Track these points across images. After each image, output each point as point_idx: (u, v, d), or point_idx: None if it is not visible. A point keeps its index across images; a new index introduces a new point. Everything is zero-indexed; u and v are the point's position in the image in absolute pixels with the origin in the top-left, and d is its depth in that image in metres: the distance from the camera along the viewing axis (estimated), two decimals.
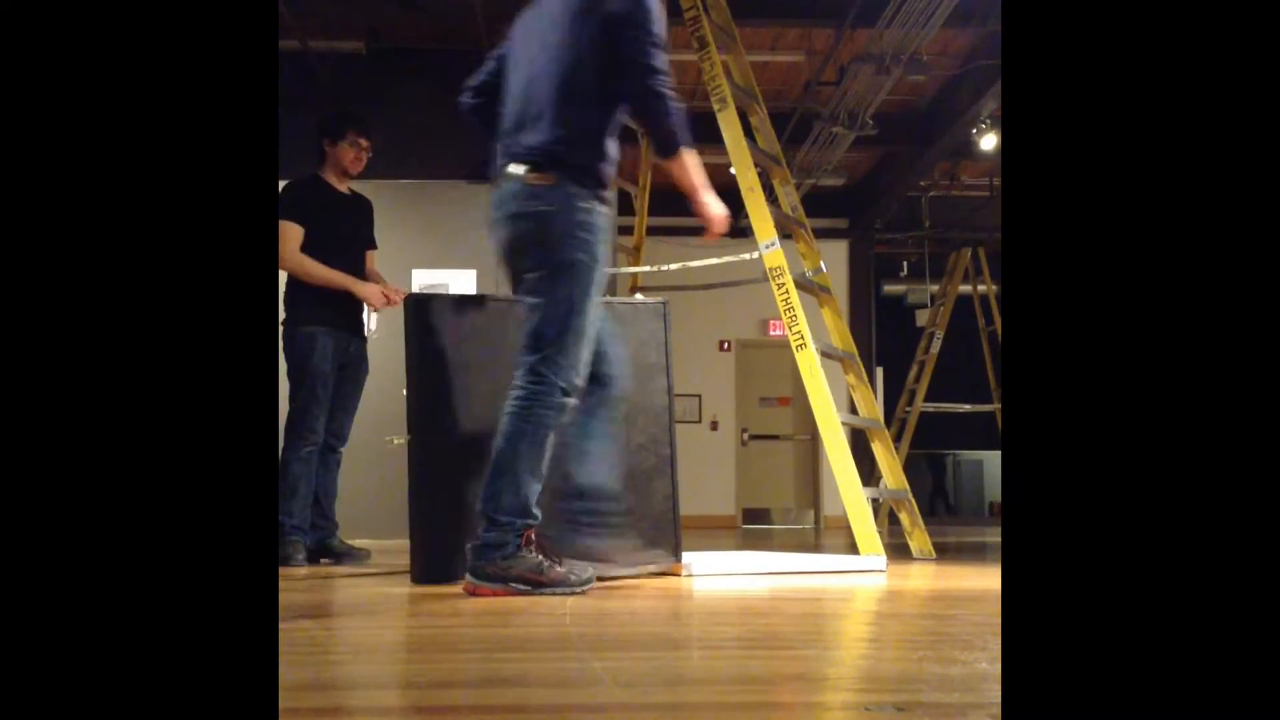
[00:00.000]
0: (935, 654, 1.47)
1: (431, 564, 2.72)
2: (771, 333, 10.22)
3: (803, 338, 3.85)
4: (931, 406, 9.20)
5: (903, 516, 4.32)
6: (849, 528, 3.66)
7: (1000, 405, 8.92)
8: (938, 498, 15.20)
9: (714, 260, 4.59)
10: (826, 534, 7.67)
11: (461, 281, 6.09)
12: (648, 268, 4.93)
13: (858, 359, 4.36)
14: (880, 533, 3.48)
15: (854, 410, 4.60)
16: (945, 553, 4.55)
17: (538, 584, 2.35)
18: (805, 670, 1.34)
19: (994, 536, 6.83)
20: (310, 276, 3.73)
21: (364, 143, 3.90)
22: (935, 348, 9.30)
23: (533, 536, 2.37)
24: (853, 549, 3.65)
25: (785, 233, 4.37)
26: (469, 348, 2.85)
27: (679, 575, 3.01)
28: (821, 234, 7.76)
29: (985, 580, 2.96)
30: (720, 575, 3.03)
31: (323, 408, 3.75)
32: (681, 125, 2.49)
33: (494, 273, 6.07)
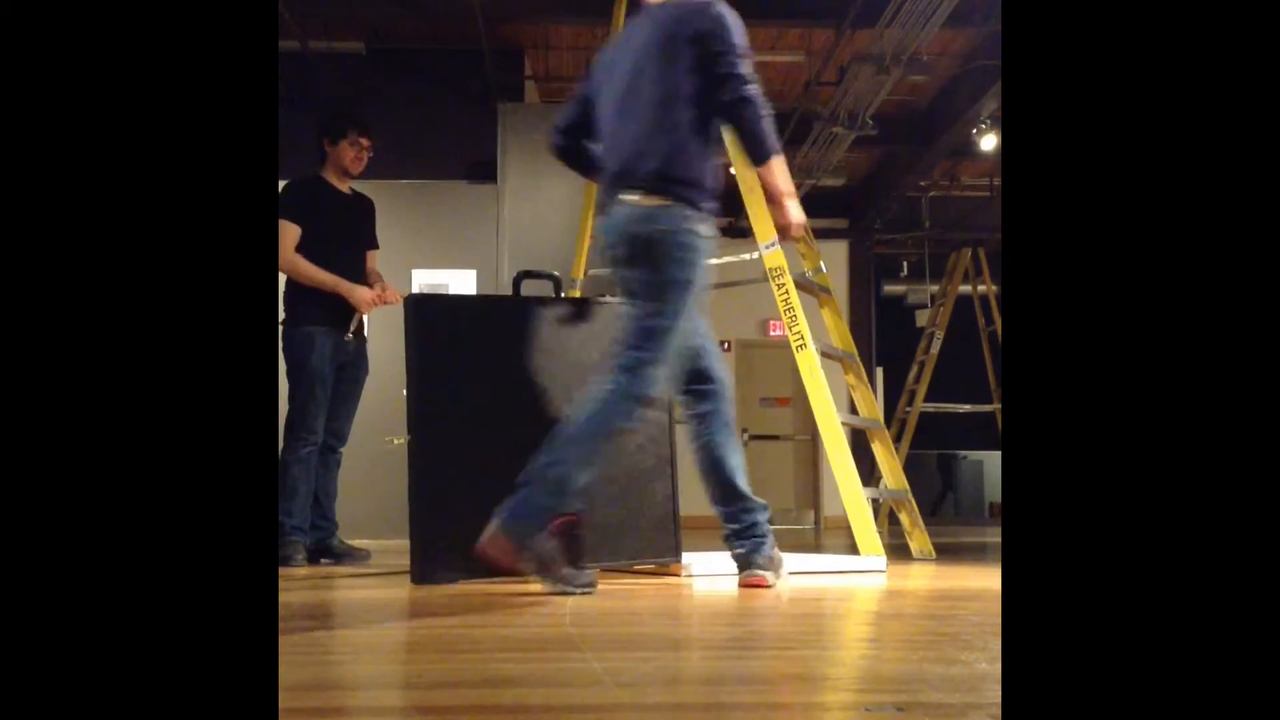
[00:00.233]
0: (935, 654, 1.47)
1: (431, 564, 2.72)
2: (771, 333, 10.22)
3: (803, 338, 3.85)
4: (931, 407, 9.19)
5: (903, 517, 4.32)
6: (849, 528, 3.66)
7: (1000, 405, 8.92)
8: (946, 499, 15.08)
9: (714, 260, 4.58)
10: (826, 534, 7.67)
11: (461, 281, 6.09)
12: None
13: (858, 359, 4.36)
14: (880, 533, 3.48)
15: (854, 410, 4.60)
16: (945, 553, 4.55)
17: (542, 572, 2.36)
18: (805, 670, 1.34)
19: (994, 536, 6.83)
20: (302, 277, 3.72)
21: (364, 142, 3.90)
22: (935, 348, 9.30)
23: (563, 527, 2.39)
24: (853, 549, 3.65)
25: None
26: (469, 348, 2.85)
27: (679, 575, 3.01)
28: (821, 234, 7.76)
29: (985, 580, 2.96)
30: (720, 575, 3.03)
31: (322, 408, 3.75)
32: (772, 131, 2.61)
33: (494, 273, 6.07)
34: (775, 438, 10.30)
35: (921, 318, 10.28)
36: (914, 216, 10.02)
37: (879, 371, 9.95)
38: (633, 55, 2.62)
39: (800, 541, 6.21)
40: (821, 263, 4.46)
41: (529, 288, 3.09)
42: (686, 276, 2.52)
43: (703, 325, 2.74)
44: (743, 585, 2.65)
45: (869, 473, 7.16)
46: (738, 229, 9.93)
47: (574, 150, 2.85)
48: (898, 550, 4.52)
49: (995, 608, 2.12)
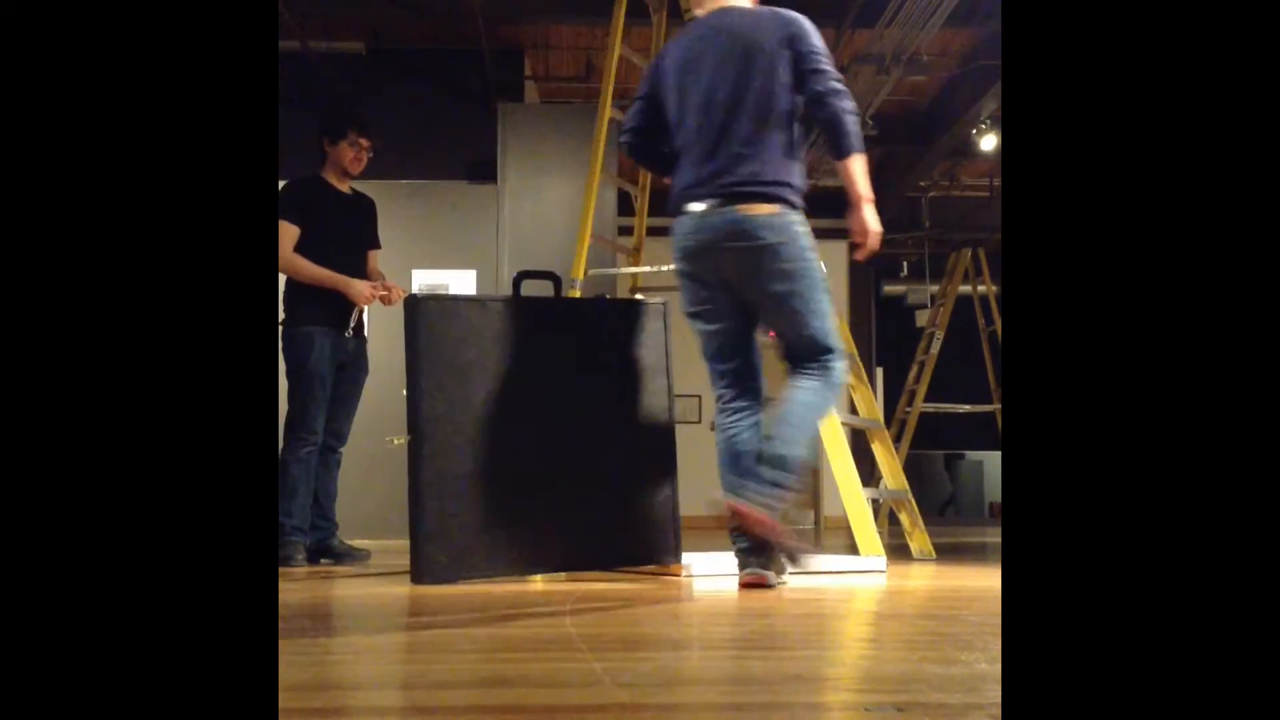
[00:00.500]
0: (935, 654, 1.47)
1: (431, 564, 2.72)
2: (771, 333, 10.21)
3: None
4: (931, 407, 9.19)
5: (903, 517, 4.32)
6: (849, 528, 3.66)
7: (1000, 405, 8.92)
8: (955, 500, 14.99)
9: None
10: (826, 534, 7.67)
11: (461, 282, 6.09)
12: (648, 268, 4.93)
13: (858, 359, 4.35)
14: (880, 533, 3.48)
15: (854, 410, 4.60)
16: (945, 553, 4.55)
17: (793, 544, 2.65)
18: (805, 671, 1.34)
19: (994, 537, 6.83)
20: (301, 275, 3.72)
21: (364, 142, 3.90)
22: (935, 348, 9.30)
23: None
24: (853, 549, 3.65)
25: None
26: (469, 348, 2.85)
27: (679, 575, 3.01)
28: (821, 234, 7.77)
29: (985, 580, 2.96)
30: (720, 575, 3.03)
31: (322, 408, 3.75)
32: (856, 129, 2.70)
33: (494, 273, 6.07)
34: None
35: (921, 318, 10.27)
36: (914, 217, 10.02)
37: (879, 371, 9.94)
38: (714, 60, 2.71)
39: (800, 541, 6.20)
40: (821, 263, 4.45)
41: (529, 288, 3.09)
42: (816, 270, 2.70)
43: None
44: (743, 585, 2.65)
45: (869, 473, 7.16)
46: None
47: (647, 150, 2.90)
48: (898, 550, 4.52)
49: (995, 608, 2.12)
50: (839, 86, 2.66)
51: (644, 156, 2.93)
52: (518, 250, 5.94)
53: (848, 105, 2.66)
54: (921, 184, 9.44)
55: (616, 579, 2.93)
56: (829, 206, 10.18)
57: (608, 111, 4.81)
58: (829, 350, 2.71)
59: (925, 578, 3.09)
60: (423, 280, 6.01)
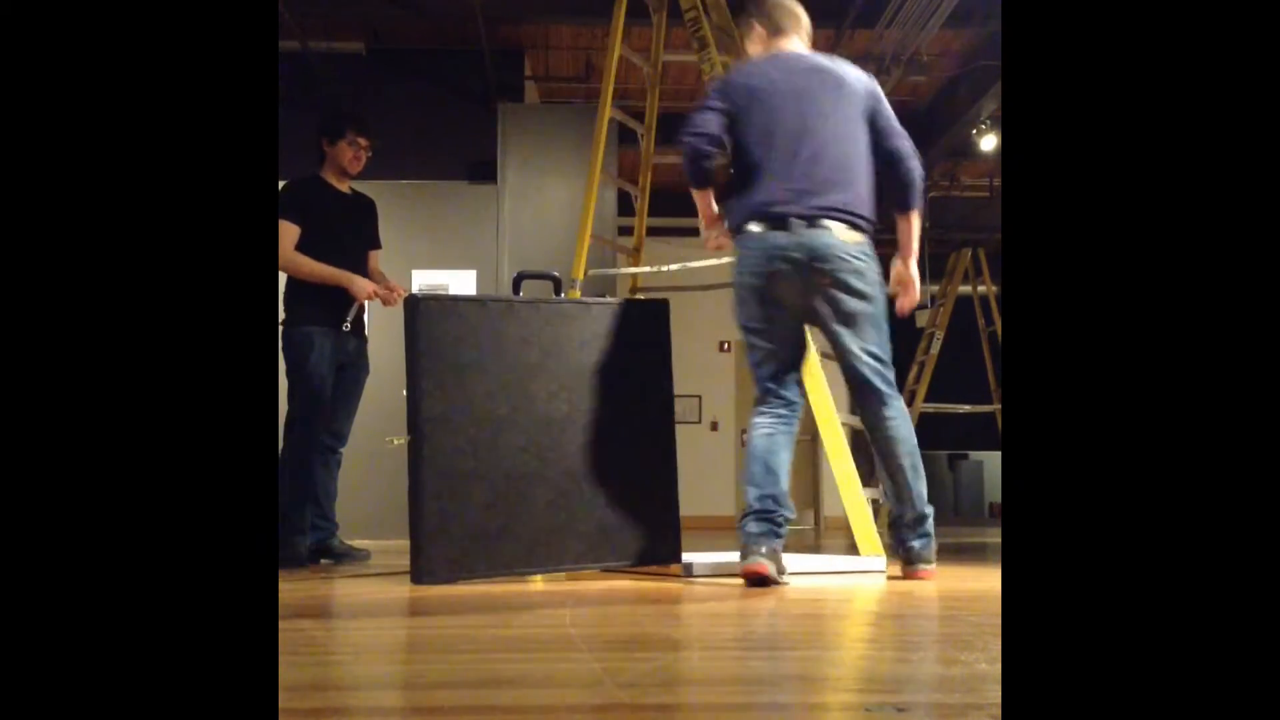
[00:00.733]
0: (935, 654, 1.47)
1: (431, 564, 2.72)
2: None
3: None
4: (931, 407, 9.19)
5: None
6: (849, 528, 3.66)
7: (1000, 405, 8.92)
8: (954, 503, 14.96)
9: (714, 261, 4.59)
10: (826, 534, 7.67)
11: (461, 282, 6.09)
12: (648, 268, 4.93)
13: None
14: (880, 533, 3.48)
15: (854, 411, 4.60)
16: (945, 553, 4.54)
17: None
18: (805, 671, 1.34)
19: (994, 537, 6.83)
20: (302, 273, 3.72)
21: (363, 142, 3.90)
22: (935, 348, 9.30)
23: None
24: (853, 549, 3.65)
25: None
26: (469, 348, 2.85)
27: (679, 575, 3.01)
28: None
29: (985, 580, 2.96)
30: (720, 575, 3.03)
31: (322, 408, 3.75)
32: (920, 185, 2.96)
33: (494, 273, 6.06)
34: None
35: (921, 318, 10.27)
36: None
37: None
38: (805, 89, 2.88)
39: (800, 542, 6.21)
40: None
41: (529, 288, 3.09)
42: (884, 299, 2.93)
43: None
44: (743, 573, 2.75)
45: (869, 473, 7.15)
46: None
47: (712, 159, 2.96)
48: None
49: (995, 608, 2.12)
50: (910, 145, 2.94)
51: (709, 161, 2.94)
52: (518, 250, 5.94)
53: (918, 165, 2.93)
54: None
55: (616, 579, 2.93)
56: None
57: (608, 111, 4.81)
58: (888, 372, 2.91)
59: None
60: (423, 280, 6.01)
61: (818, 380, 3.74)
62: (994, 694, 1.15)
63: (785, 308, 2.86)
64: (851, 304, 2.82)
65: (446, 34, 6.56)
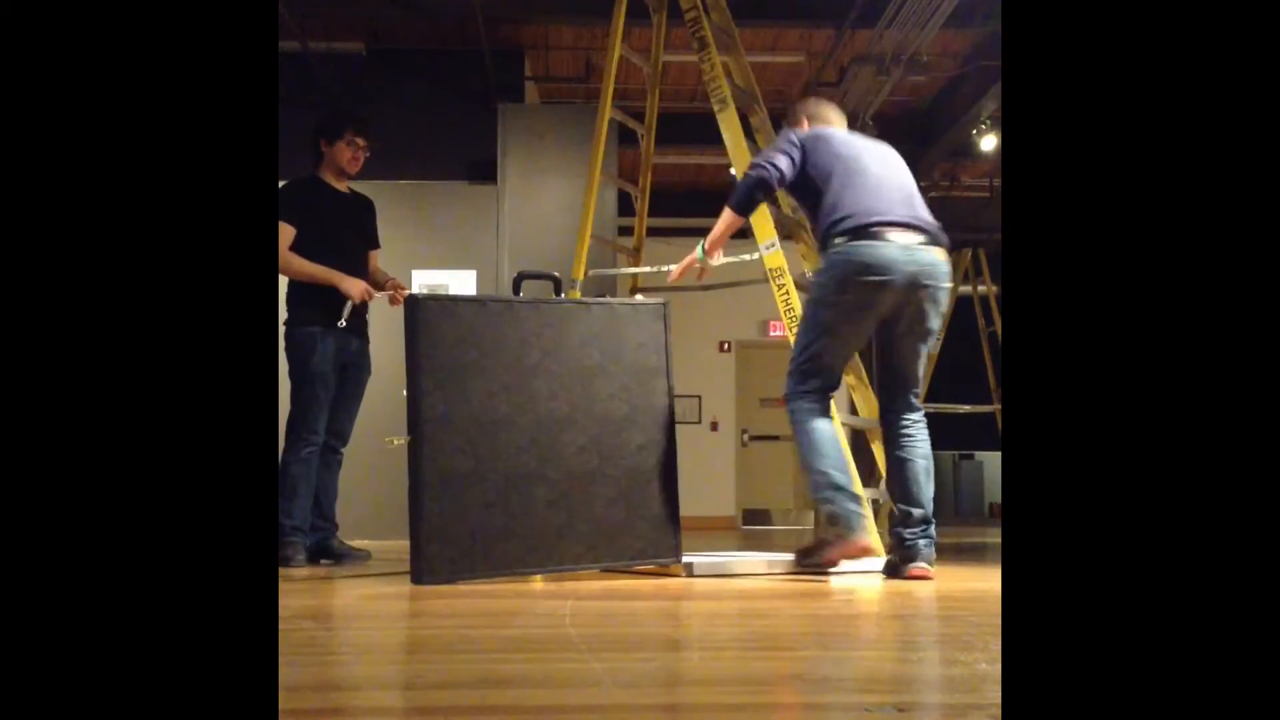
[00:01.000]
0: (935, 654, 1.47)
1: (431, 564, 2.72)
2: (772, 333, 10.21)
3: None
4: (931, 407, 9.19)
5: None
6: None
7: (1000, 405, 8.92)
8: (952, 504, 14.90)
9: (713, 261, 4.59)
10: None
11: (461, 282, 6.09)
12: (648, 268, 4.93)
13: (858, 359, 4.35)
14: (880, 533, 3.48)
15: (854, 411, 4.60)
16: (945, 553, 4.54)
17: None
18: (805, 671, 1.34)
19: (994, 537, 6.83)
20: (295, 273, 3.72)
21: (361, 142, 3.89)
22: (935, 348, 9.30)
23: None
24: None
25: (786, 234, 4.36)
26: (469, 348, 2.85)
27: (679, 575, 3.01)
28: None
29: (985, 580, 2.96)
30: (720, 575, 3.03)
31: (323, 408, 3.74)
32: None
33: (494, 273, 6.06)
34: (775, 438, 10.30)
35: None
36: None
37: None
38: (865, 145, 3.15)
39: (800, 541, 6.20)
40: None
41: (529, 288, 3.08)
42: None
43: None
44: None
45: (869, 473, 7.15)
46: (739, 230, 9.91)
47: (770, 195, 3.21)
48: None
49: (995, 608, 2.12)
50: None
51: (757, 197, 3.10)
52: (518, 250, 5.94)
53: None
54: (921, 184, 9.42)
55: (616, 579, 2.93)
56: None
57: (608, 111, 4.81)
58: (918, 389, 3.11)
59: None
60: (423, 280, 6.01)
61: None
62: (994, 694, 1.15)
63: (876, 315, 2.95)
64: (933, 322, 3.00)
65: (446, 34, 6.55)
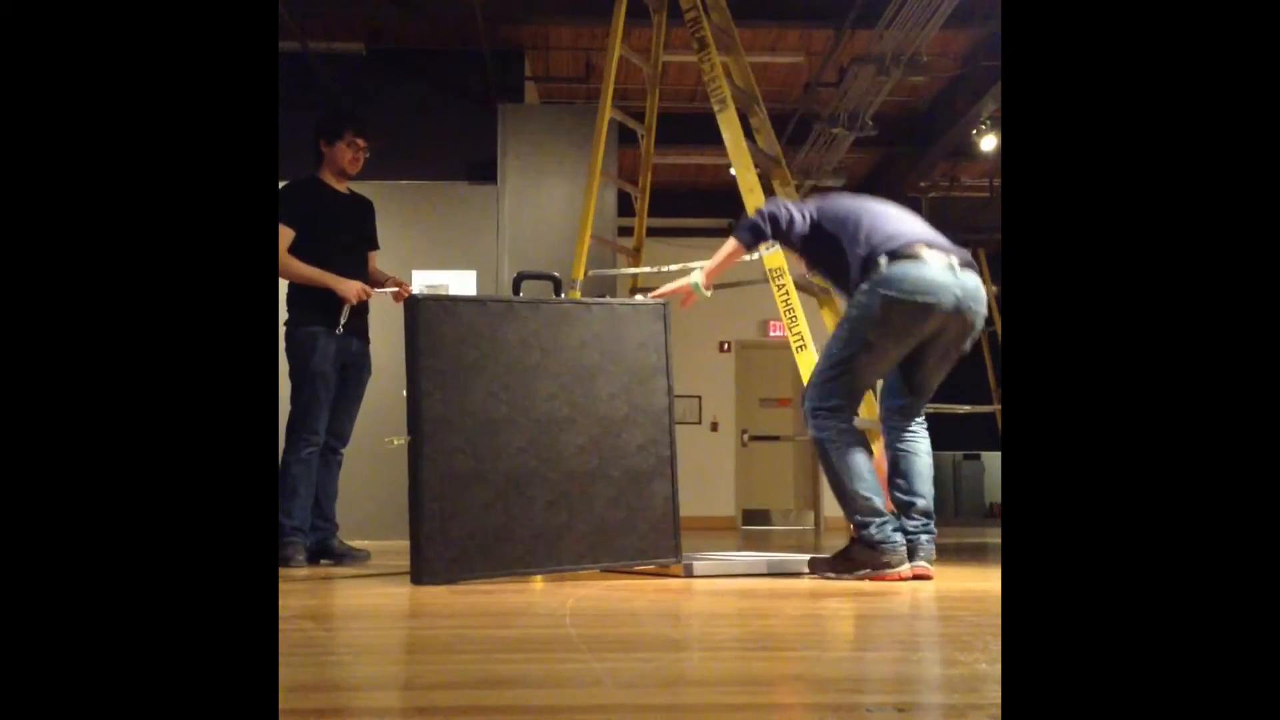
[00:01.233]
0: (935, 654, 1.47)
1: (431, 564, 2.72)
2: (771, 334, 10.21)
3: (803, 339, 3.85)
4: (931, 407, 9.17)
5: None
6: (849, 529, 3.65)
7: (1000, 405, 8.91)
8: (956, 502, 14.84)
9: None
10: (827, 535, 7.66)
11: (462, 282, 6.09)
12: (648, 269, 4.93)
13: None
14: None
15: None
16: (945, 553, 4.54)
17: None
18: (805, 671, 1.34)
19: (994, 537, 6.83)
20: (291, 276, 3.71)
21: (361, 143, 3.89)
22: None
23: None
24: None
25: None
26: (469, 349, 2.85)
27: (679, 576, 3.01)
28: None
29: (985, 580, 2.96)
30: (720, 576, 3.03)
31: (324, 408, 3.74)
32: None
33: (494, 274, 6.06)
34: (775, 438, 10.31)
35: None
36: None
37: None
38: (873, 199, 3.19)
39: (800, 542, 6.21)
40: None
41: (529, 288, 3.08)
42: None
43: None
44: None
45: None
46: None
47: (778, 233, 3.12)
48: None
49: (995, 608, 2.12)
50: None
51: (765, 232, 3.06)
52: (518, 251, 5.94)
53: None
54: (922, 184, 9.43)
55: (616, 579, 2.93)
56: None
57: (608, 111, 4.81)
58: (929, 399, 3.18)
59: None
60: (423, 281, 6.01)
61: None
62: (994, 694, 1.15)
63: (919, 337, 2.95)
64: (967, 345, 3.03)
65: (446, 34, 6.55)
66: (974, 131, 7.50)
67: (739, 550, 4.21)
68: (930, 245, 2.91)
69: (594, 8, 5.97)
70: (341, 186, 3.93)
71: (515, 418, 2.87)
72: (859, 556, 2.94)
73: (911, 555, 2.97)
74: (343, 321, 3.72)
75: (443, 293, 5.69)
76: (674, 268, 4.81)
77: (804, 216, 3.02)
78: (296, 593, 2.55)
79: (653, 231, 5.38)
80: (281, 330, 3.82)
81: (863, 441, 3.02)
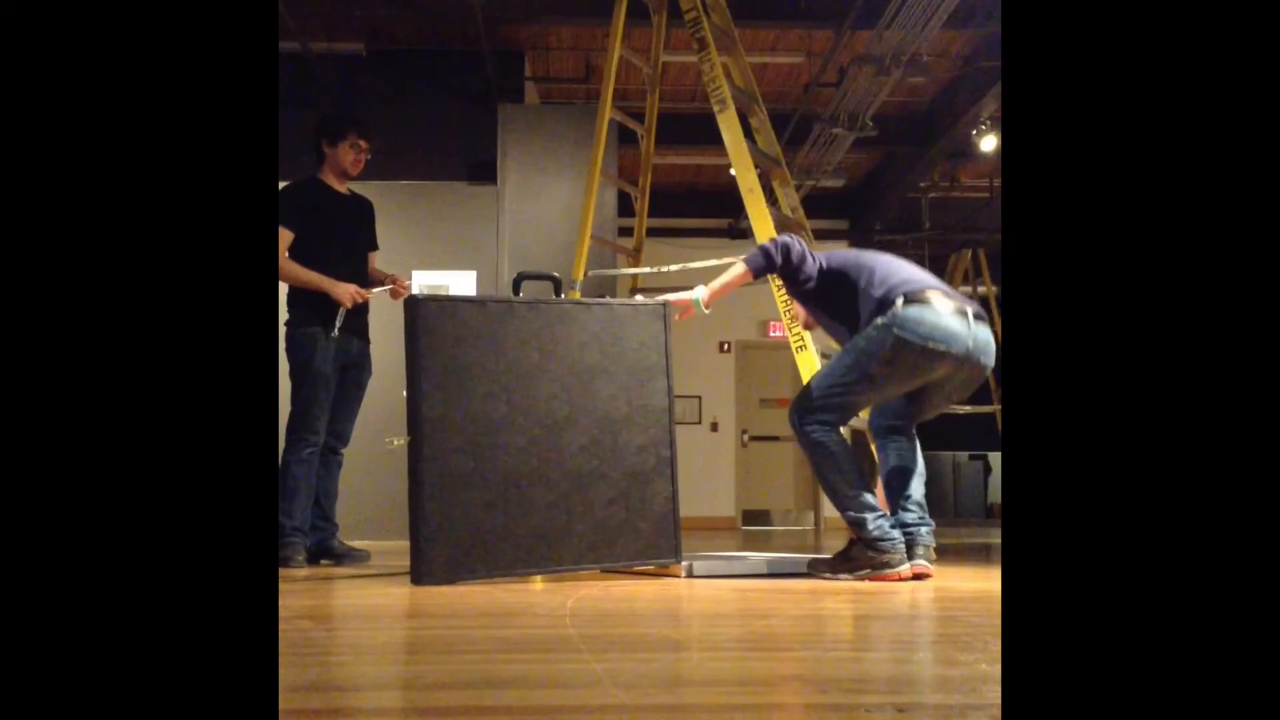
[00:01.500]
0: (935, 655, 1.47)
1: (431, 564, 2.72)
2: (771, 334, 10.21)
3: (802, 339, 3.85)
4: None
5: None
6: (848, 529, 3.65)
7: (1000, 405, 8.92)
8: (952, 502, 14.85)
9: (714, 262, 4.59)
10: (827, 535, 7.66)
11: (462, 283, 6.09)
12: (648, 269, 4.93)
13: None
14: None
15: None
16: (945, 553, 4.54)
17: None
18: (805, 672, 1.34)
19: (994, 537, 6.83)
20: (288, 279, 3.71)
21: (363, 144, 3.89)
22: None
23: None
24: None
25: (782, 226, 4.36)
26: (468, 349, 2.85)
27: (679, 576, 3.01)
28: (821, 235, 7.76)
29: (985, 580, 2.96)
30: (720, 576, 3.03)
31: (324, 409, 3.74)
32: None
33: (494, 274, 6.07)
34: (775, 438, 10.31)
35: None
36: (914, 218, 10.01)
37: None
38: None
39: (800, 542, 6.21)
40: None
41: (529, 289, 3.08)
42: None
43: None
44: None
45: (869, 474, 7.14)
46: (738, 230, 9.93)
47: (787, 267, 3.12)
48: None
49: (995, 608, 2.12)
50: None
51: (775, 261, 3.06)
52: (518, 251, 5.94)
53: None
54: (921, 185, 9.43)
55: (616, 579, 2.93)
56: (829, 208, 10.20)
57: (608, 111, 4.81)
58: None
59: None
60: (423, 281, 6.01)
61: None
62: (994, 694, 1.15)
63: (924, 380, 2.97)
64: (974, 389, 3.08)
65: (446, 34, 6.55)
66: (974, 132, 7.50)
67: (739, 550, 4.21)
68: (947, 295, 2.95)
69: (594, 8, 5.97)
70: (342, 187, 3.93)
71: (515, 418, 2.87)
72: (858, 556, 2.94)
73: (911, 552, 2.97)
74: (338, 325, 3.72)
75: (443, 293, 5.69)
76: (674, 268, 4.82)
77: (814, 259, 3.07)
78: (296, 593, 2.55)
79: (652, 232, 5.38)
80: (281, 330, 3.82)
81: (840, 436, 3.05)
